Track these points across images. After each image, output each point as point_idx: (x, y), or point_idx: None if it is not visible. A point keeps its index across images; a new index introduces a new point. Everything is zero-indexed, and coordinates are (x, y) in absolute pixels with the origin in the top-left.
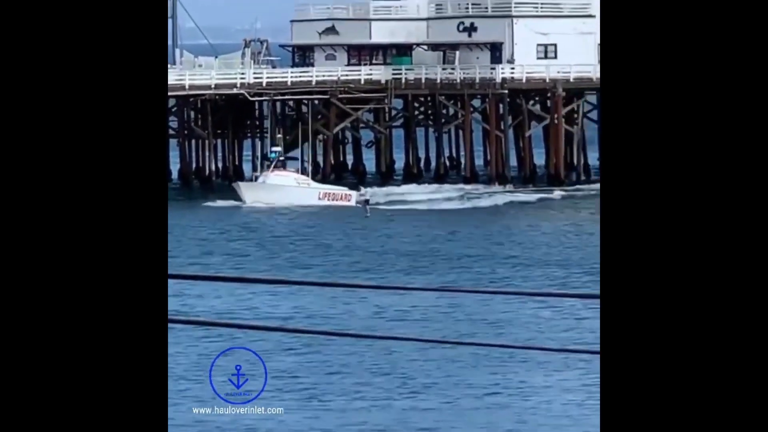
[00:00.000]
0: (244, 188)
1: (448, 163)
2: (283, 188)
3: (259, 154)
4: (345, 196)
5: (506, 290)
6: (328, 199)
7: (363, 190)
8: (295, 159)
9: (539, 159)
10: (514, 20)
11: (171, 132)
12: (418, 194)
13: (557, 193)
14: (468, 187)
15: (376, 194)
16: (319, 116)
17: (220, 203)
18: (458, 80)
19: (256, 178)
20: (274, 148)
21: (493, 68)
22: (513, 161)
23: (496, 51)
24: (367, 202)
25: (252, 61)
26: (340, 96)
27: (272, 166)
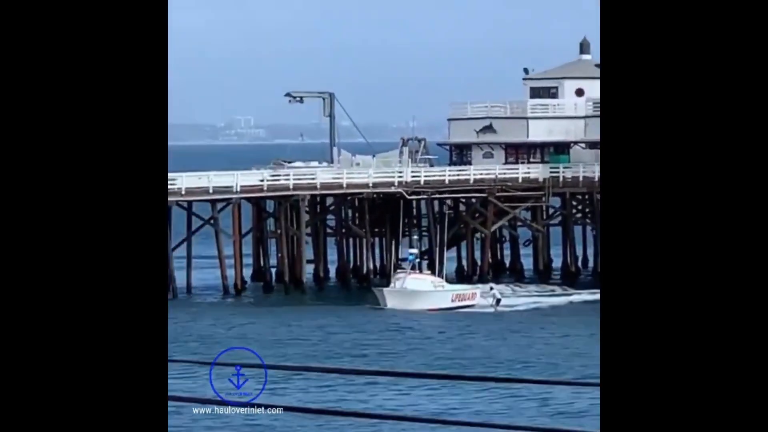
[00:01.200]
0: (387, 294)
1: None
2: (421, 293)
3: (397, 254)
4: (472, 295)
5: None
6: (459, 300)
7: (492, 288)
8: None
9: None
10: None
11: (329, 230)
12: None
13: None
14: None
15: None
16: (477, 214)
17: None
18: None
19: (395, 280)
20: (411, 250)
21: None
22: None
23: None
24: (498, 301)
25: (410, 160)
26: (497, 194)
27: (408, 268)
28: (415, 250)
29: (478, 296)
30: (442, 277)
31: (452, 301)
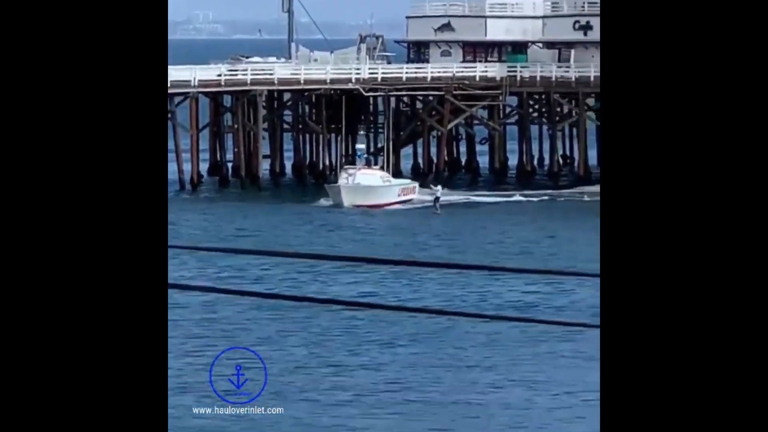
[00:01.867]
0: (339, 189)
1: (561, 161)
2: (372, 188)
3: (353, 151)
4: (413, 189)
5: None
6: (404, 195)
7: (435, 187)
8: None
9: None
10: None
11: (286, 126)
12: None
13: None
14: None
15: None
16: (434, 112)
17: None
18: (573, 78)
19: (347, 176)
20: (360, 146)
21: None
22: None
23: None
24: (437, 199)
25: (367, 57)
26: (454, 92)
27: (362, 164)
28: (362, 146)
29: (416, 191)
30: (398, 174)
31: (398, 195)
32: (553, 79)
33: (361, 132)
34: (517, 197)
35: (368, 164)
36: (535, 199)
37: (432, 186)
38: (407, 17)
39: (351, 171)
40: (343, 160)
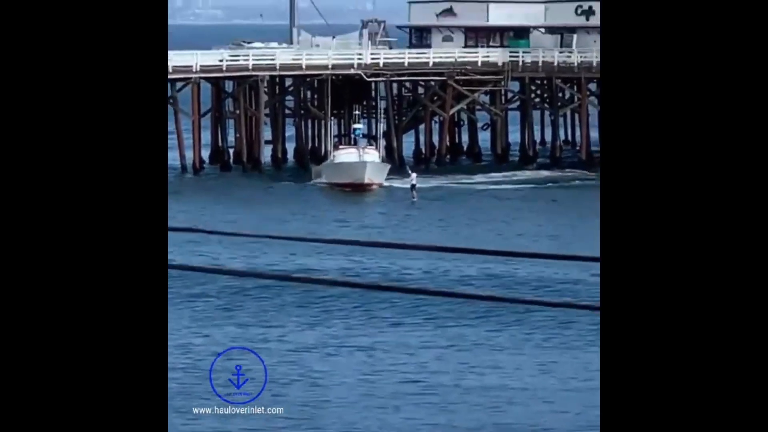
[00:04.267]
0: (318, 169)
1: (563, 146)
2: (350, 167)
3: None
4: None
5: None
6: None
7: (412, 175)
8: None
9: None
10: None
11: (288, 111)
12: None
13: None
14: (549, 173)
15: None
16: (436, 98)
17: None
18: (575, 63)
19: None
20: (357, 125)
21: None
22: None
23: None
24: (413, 186)
25: (369, 42)
26: (456, 78)
27: (363, 144)
28: (360, 125)
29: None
30: (401, 159)
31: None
32: (555, 64)
33: (356, 112)
34: (507, 185)
35: (371, 144)
36: (528, 185)
37: (410, 172)
38: (409, 2)
39: (341, 151)
40: (338, 141)
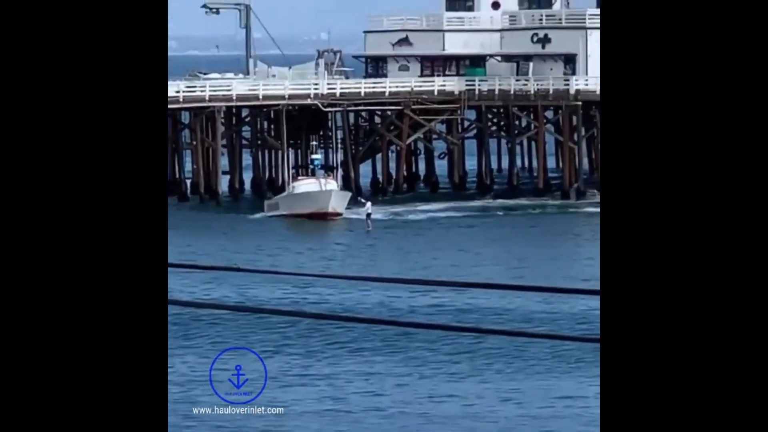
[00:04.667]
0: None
1: (520, 174)
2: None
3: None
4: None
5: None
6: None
7: (366, 204)
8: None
9: None
10: (588, 32)
11: (244, 142)
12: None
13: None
14: (506, 201)
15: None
16: (392, 127)
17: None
18: (532, 91)
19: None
20: (315, 156)
21: (567, 80)
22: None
23: (569, 62)
24: (368, 215)
25: (325, 72)
26: (413, 107)
27: (321, 175)
28: (318, 156)
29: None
30: (357, 188)
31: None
32: (512, 92)
33: (313, 142)
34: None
35: (330, 174)
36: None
37: (361, 200)
38: (365, 32)
39: (300, 181)
40: (296, 172)
